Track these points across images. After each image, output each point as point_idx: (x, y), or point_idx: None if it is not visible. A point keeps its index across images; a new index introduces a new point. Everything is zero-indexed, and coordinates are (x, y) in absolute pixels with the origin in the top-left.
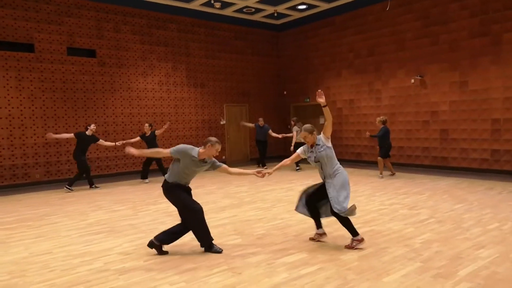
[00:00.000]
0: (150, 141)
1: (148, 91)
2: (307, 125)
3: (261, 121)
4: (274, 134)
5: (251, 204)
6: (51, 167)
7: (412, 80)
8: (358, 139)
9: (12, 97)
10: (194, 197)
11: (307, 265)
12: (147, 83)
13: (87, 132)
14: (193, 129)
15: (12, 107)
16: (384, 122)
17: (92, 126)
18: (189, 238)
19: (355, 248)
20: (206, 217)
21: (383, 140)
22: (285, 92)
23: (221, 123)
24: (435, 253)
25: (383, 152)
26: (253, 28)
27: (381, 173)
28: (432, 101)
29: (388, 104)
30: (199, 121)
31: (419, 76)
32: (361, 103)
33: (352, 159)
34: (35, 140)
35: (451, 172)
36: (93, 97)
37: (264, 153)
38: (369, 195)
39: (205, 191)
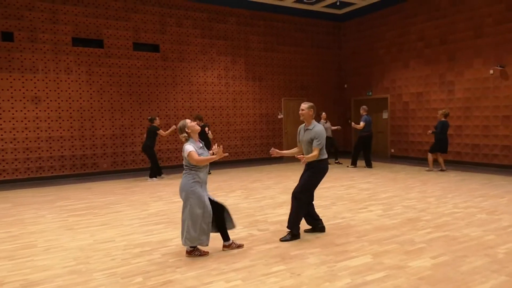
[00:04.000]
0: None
1: (207, 85)
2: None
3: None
4: (333, 127)
5: None
6: (117, 158)
7: (491, 71)
8: (425, 135)
9: (83, 91)
10: (253, 191)
11: (372, 271)
12: (207, 76)
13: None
14: (250, 123)
15: (84, 100)
16: (446, 116)
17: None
18: (245, 233)
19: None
20: (262, 212)
21: (440, 133)
22: (345, 86)
23: (279, 117)
24: None
25: (435, 147)
26: (314, 19)
27: (430, 168)
28: None
29: (462, 97)
30: (257, 115)
31: (500, 66)
32: (430, 96)
33: (419, 156)
34: (103, 132)
35: None
36: (156, 91)
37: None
38: (439, 196)
39: (263, 185)
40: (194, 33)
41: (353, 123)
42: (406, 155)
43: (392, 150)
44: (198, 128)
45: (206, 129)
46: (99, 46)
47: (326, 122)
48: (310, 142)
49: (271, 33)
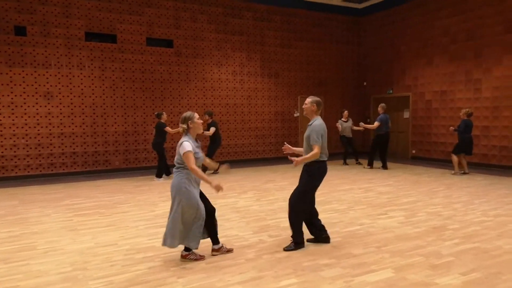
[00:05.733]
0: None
1: (222, 82)
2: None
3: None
4: (355, 127)
5: (325, 204)
6: (129, 155)
7: None
8: (450, 135)
9: (96, 87)
10: (265, 193)
11: None
12: (221, 73)
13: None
14: (265, 121)
15: (96, 96)
16: (469, 115)
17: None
18: (255, 239)
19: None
20: (274, 216)
21: (463, 133)
22: (365, 83)
23: (295, 115)
24: None
25: (459, 147)
26: (332, 14)
27: (456, 170)
28: None
29: (490, 96)
30: (272, 113)
31: None
32: (455, 95)
33: (441, 158)
34: (115, 128)
35: None
36: (169, 87)
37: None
38: (466, 202)
39: (276, 187)
40: (209, 28)
41: (361, 124)
42: (429, 156)
43: (414, 151)
44: (201, 128)
45: (212, 128)
46: (112, 41)
47: (347, 121)
48: (308, 138)
49: (288, 29)
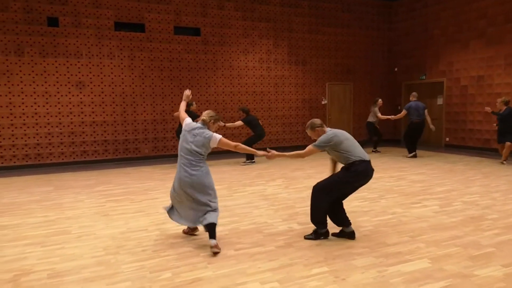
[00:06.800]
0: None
1: (248, 69)
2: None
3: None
4: (382, 117)
5: (355, 193)
6: (158, 143)
7: None
8: (486, 122)
9: (125, 76)
10: (293, 180)
11: (431, 279)
12: (248, 61)
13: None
14: (292, 109)
15: (126, 85)
16: (507, 103)
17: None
18: (285, 227)
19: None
20: (303, 204)
21: (508, 122)
22: (396, 69)
23: (323, 103)
24: None
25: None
26: None
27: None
28: None
29: None
30: (299, 101)
31: None
32: (493, 80)
33: (478, 146)
34: (144, 117)
35: None
36: (196, 76)
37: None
38: (506, 191)
39: (304, 174)
40: (236, 15)
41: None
42: (463, 144)
43: (447, 139)
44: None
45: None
46: (140, 30)
47: (375, 106)
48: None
49: (316, 14)
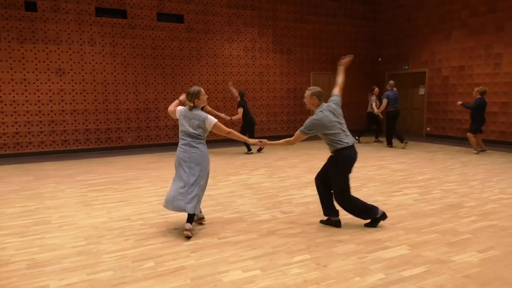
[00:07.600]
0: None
1: (233, 58)
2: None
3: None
4: (377, 111)
5: None
6: (141, 132)
7: None
8: (466, 112)
9: (107, 63)
10: (277, 170)
11: (409, 265)
12: (233, 49)
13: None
14: (277, 98)
15: (107, 73)
16: (482, 93)
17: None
18: (268, 216)
19: None
20: (286, 193)
21: (477, 113)
22: (379, 59)
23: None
24: None
25: (474, 127)
26: None
27: (475, 149)
28: None
29: (510, 71)
30: (284, 90)
31: None
32: (473, 70)
33: (458, 136)
34: (127, 105)
35: None
36: (180, 64)
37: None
38: (483, 179)
39: (288, 164)
40: (220, 2)
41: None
42: (444, 134)
43: (428, 129)
44: (206, 102)
45: (240, 109)
46: (122, 16)
47: (371, 95)
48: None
49: (301, 3)
